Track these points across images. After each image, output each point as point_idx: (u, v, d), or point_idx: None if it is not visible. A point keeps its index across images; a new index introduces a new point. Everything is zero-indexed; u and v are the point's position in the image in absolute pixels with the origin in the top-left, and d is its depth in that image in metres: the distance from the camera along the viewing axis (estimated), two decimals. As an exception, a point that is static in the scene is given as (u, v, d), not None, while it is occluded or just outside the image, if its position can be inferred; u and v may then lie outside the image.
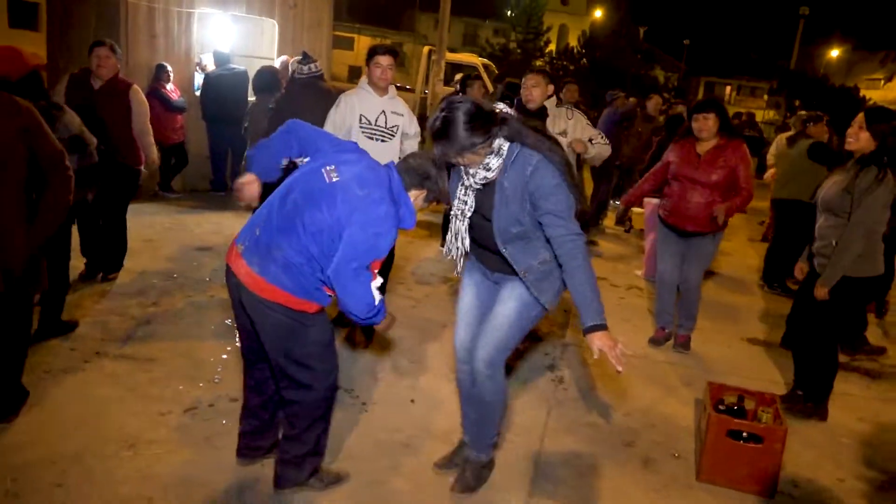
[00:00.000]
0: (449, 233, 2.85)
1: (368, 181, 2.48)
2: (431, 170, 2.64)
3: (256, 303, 2.51)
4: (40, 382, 3.41)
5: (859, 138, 3.61)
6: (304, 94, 4.74)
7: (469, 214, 2.73)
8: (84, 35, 7.85)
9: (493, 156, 2.57)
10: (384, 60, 4.14)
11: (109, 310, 4.44)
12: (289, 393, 2.68)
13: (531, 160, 2.54)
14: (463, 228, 2.76)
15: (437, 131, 2.48)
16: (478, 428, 2.98)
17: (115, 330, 4.17)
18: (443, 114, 2.48)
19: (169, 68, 7.49)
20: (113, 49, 4.85)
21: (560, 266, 2.63)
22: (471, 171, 2.62)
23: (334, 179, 2.47)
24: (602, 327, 2.54)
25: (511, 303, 2.79)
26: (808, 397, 3.98)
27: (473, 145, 2.48)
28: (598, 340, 2.51)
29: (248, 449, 2.92)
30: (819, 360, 3.93)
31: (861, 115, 3.66)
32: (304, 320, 2.56)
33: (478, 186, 2.66)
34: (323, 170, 2.51)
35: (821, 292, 3.67)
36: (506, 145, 2.58)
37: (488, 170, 2.59)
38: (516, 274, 2.73)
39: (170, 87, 7.52)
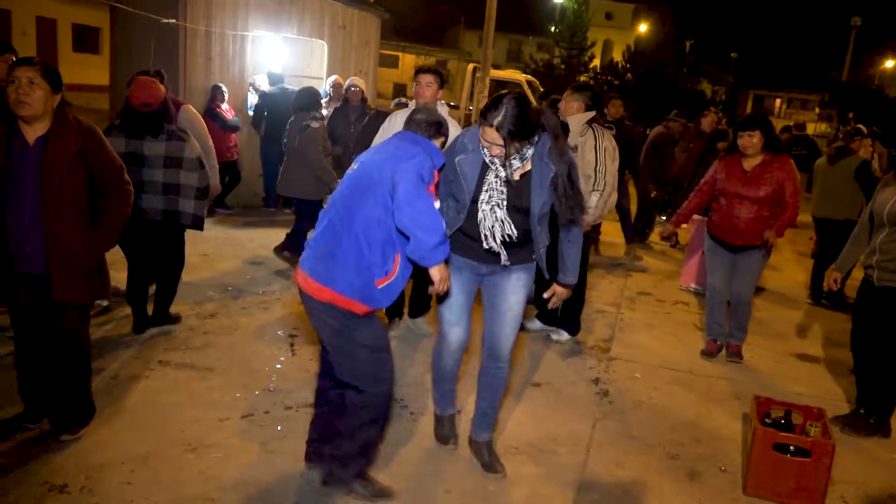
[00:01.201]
0: (482, 226, 2.96)
1: (384, 146, 2.74)
2: (440, 117, 2.89)
3: (312, 305, 2.71)
4: (109, 388, 3.62)
5: None
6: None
7: (505, 204, 2.92)
8: (144, 58, 8.23)
9: (529, 146, 2.83)
10: (424, 78, 4.36)
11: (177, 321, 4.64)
12: (345, 393, 2.81)
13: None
14: (504, 215, 2.93)
15: (505, 118, 2.72)
16: (493, 412, 3.30)
17: (176, 340, 4.37)
18: (513, 101, 2.74)
19: (224, 89, 7.80)
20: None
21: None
22: (508, 161, 2.81)
23: (355, 167, 2.73)
24: (572, 286, 3.18)
25: (520, 293, 3.12)
26: (871, 413, 3.93)
27: (533, 134, 2.80)
28: (565, 292, 3.16)
29: (316, 455, 3.03)
30: (884, 373, 3.85)
31: None
32: (350, 322, 2.69)
33: (511, 176, 2.87)
34: (347, 175, 2.76)
35: None
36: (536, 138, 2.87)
37: (524, 159, 2.85)
38: (520, 262, 3.06)
39: (224, 106, 7.82)
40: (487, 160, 2.88)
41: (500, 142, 2.76)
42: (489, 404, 3.27)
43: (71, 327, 3.09)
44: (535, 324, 5.13)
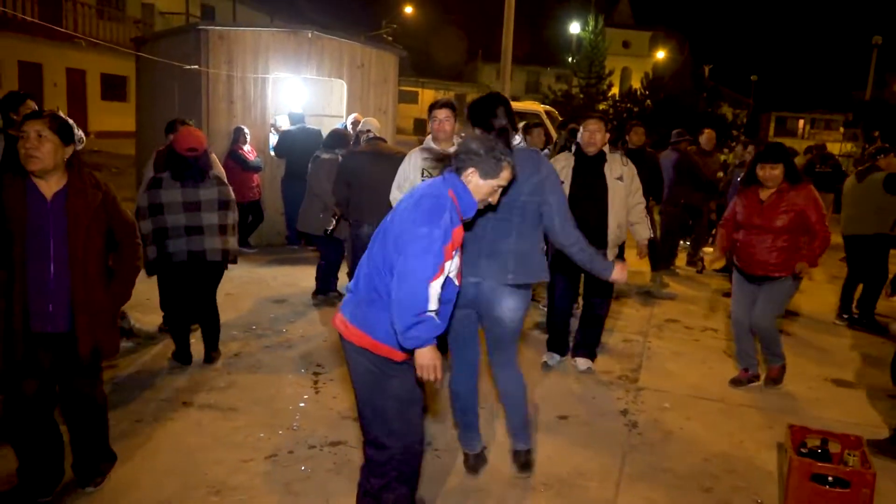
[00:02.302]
0: None
1: (413, 192, 2.63)
2: (470, 144, 2.66)
3: (349, 349, 2.65)
4: (133, 431, 3.63)
5: None
6: None
7: None
8: (169, 104, 8.45)
9: None
10: (440, 114, 4.18)
11: (193, 361, 4.66)
12: (368, 449, 2.73)
13: None
14: None
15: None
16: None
17: (200, 381, 4.38)
18: None
19: (246, 131, 7.93)
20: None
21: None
22: None
23: (392, 215, 2.64)
24: None
25: None
26: None
27: None
28: None
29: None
30: None
31: None
32: (388, 369, 2.61)
33: None
34: (384, 220, 2.67)
35: None
36: None
37: None
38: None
39: (247, 148, 7.94)
40: None
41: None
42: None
43: (91, 385, 3.04)
44: (554, 358, 5.01)
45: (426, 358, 2.46)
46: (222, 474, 3.27)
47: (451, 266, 2.56)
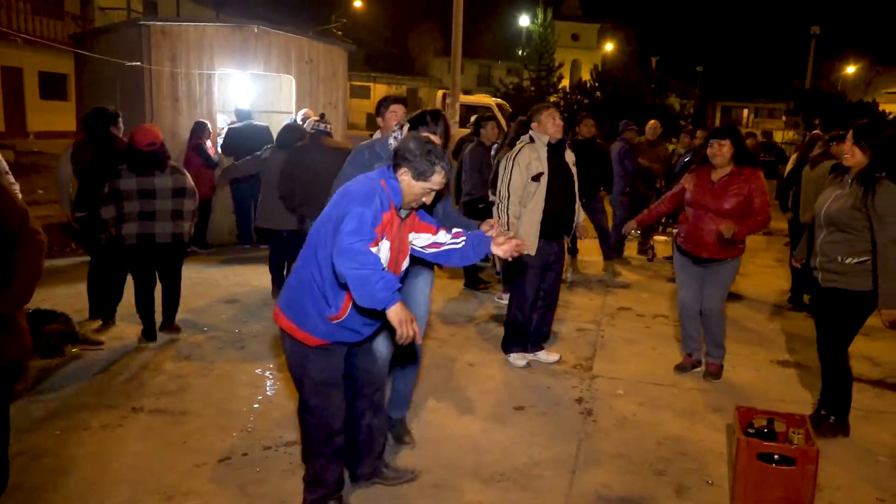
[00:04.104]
0: None
1: (356, 178, 2.77)
2: (408, 144, 2.71)
3: (280, 331, 2.82)
4: (81, 440, 3.52)
5: (854, 154, 3.67)
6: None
7: None
8: (110, 103, 8.17)
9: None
10: (399, 109, 3.92)
11: (143, 365, 4.56)
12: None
13: None
14: None
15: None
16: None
17: (150, 385, 4.27)
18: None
19: (209, 126, 7.73)
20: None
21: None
22: None
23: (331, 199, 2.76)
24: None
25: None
26: (830, 413, 3.96)
27: None
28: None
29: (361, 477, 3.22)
30: (832, 373, 3.92)
31: (851, 132, 3.72)
32: (304, 352, 2.77)
33: None
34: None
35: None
36: None
37: None
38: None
39: (209, 143, 7.76)
40: None
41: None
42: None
43: None
44: (520, 354, 4.95)
45: (398, 315, 2.42)
46: (174, 479, 3.20)
47: (381, 251, 2.60)
